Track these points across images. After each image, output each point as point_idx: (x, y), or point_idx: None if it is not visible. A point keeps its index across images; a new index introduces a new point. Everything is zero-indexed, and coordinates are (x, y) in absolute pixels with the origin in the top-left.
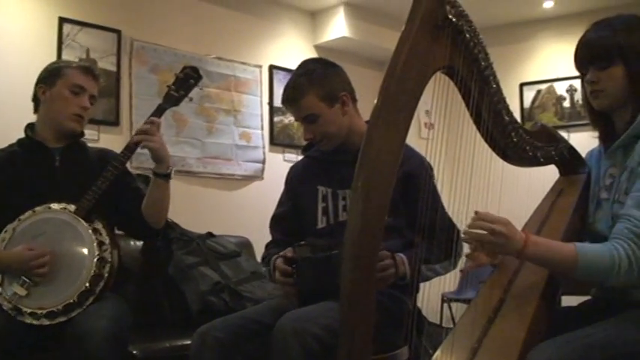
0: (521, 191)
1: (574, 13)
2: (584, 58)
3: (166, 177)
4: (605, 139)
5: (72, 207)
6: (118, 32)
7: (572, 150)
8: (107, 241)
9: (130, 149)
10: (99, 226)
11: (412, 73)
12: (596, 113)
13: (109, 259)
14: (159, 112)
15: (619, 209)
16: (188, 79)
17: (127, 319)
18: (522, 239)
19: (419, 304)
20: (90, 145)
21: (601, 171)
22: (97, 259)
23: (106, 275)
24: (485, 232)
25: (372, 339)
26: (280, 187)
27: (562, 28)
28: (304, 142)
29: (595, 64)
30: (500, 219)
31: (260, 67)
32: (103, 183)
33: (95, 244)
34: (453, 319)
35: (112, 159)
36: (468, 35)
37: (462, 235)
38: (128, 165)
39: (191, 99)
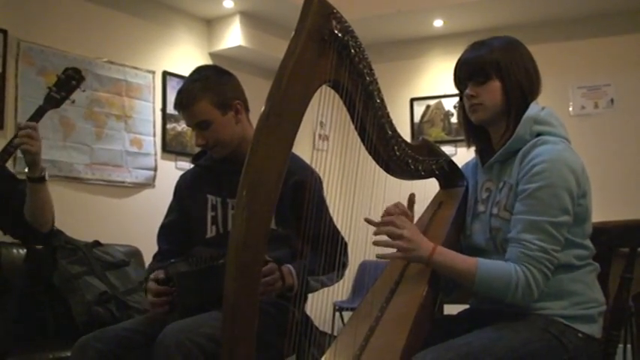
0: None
1: (462, 32)
2: (463, 75)
3: (41, 180)
4: (482, 153)
5: None
6: (4, 32)
7: (451, 164)
8: None
9: (8, 152)
10: None
11: (298, 85)
12: (474, 129)
13: None
14: (39, 113)
15: (497, 223)
16: (70, 80)
17: None
18: (430, 248)
19: (310, 313)
20: None
21: (478, 184)
22: None
23: None
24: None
25: (257, 348)
26: (172, 196)
27: (451, 46)
28: (197, 150)
29: (473, 79)
30: (410, 226)
31: (153, 72)
32: None
33: None
34: None
35: None
36: (353, 50)
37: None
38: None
39: (73, 101)
